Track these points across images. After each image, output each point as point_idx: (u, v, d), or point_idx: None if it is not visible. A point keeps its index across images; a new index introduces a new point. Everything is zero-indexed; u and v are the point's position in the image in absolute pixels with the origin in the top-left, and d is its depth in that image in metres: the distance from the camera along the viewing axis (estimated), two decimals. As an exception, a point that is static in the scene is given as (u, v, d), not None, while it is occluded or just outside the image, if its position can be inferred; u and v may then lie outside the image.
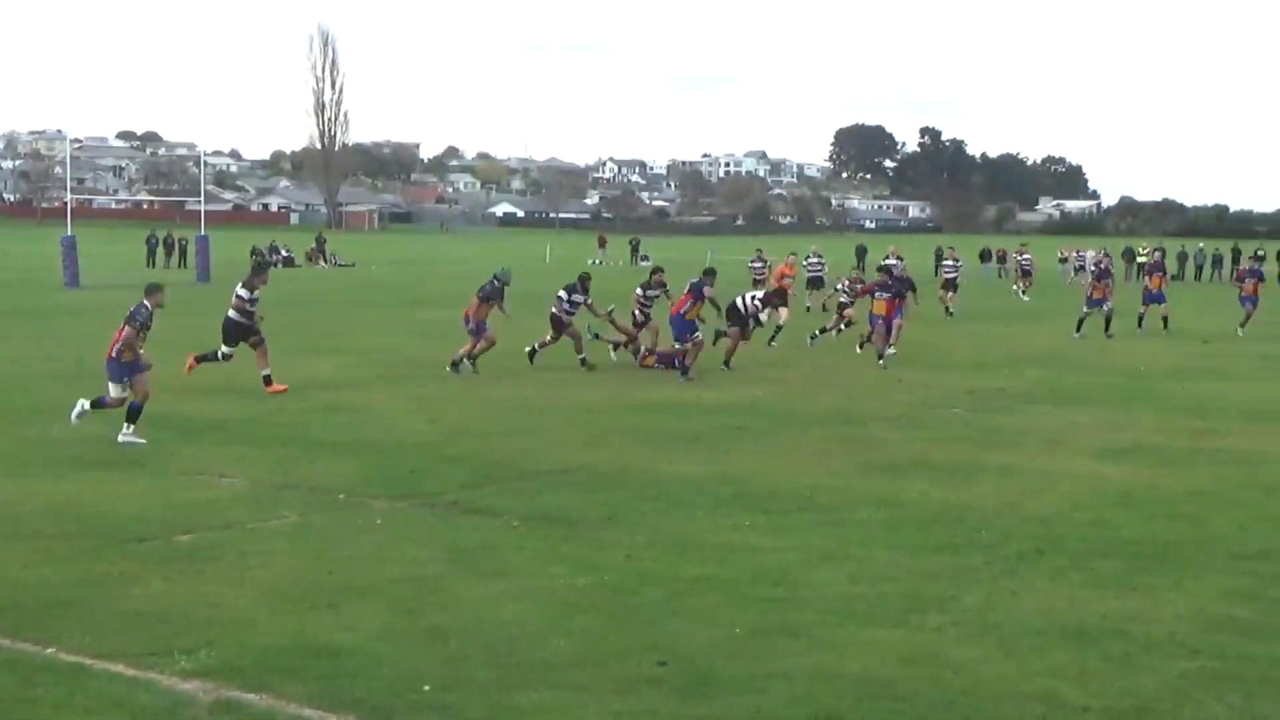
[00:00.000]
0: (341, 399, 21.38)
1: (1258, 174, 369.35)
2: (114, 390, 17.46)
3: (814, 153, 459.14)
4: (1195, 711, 8.55)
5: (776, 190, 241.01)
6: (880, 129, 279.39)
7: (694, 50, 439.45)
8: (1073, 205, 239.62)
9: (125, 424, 17.09)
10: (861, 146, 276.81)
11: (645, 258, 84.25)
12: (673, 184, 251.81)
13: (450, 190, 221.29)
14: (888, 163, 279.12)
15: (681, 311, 25.63)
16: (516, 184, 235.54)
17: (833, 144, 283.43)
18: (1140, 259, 70.09)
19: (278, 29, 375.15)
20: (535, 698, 8.45)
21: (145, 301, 17.94)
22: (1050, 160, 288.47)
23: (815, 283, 47.41)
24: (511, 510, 13.79)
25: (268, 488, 14.83)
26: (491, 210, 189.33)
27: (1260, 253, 74.29)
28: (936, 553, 12.46)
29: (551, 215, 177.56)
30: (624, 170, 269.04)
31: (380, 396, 22.04)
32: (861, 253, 76.83)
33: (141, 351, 17.56)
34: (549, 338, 26.50)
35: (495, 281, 25.80)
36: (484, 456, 16.78)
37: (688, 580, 11.29)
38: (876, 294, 29.04)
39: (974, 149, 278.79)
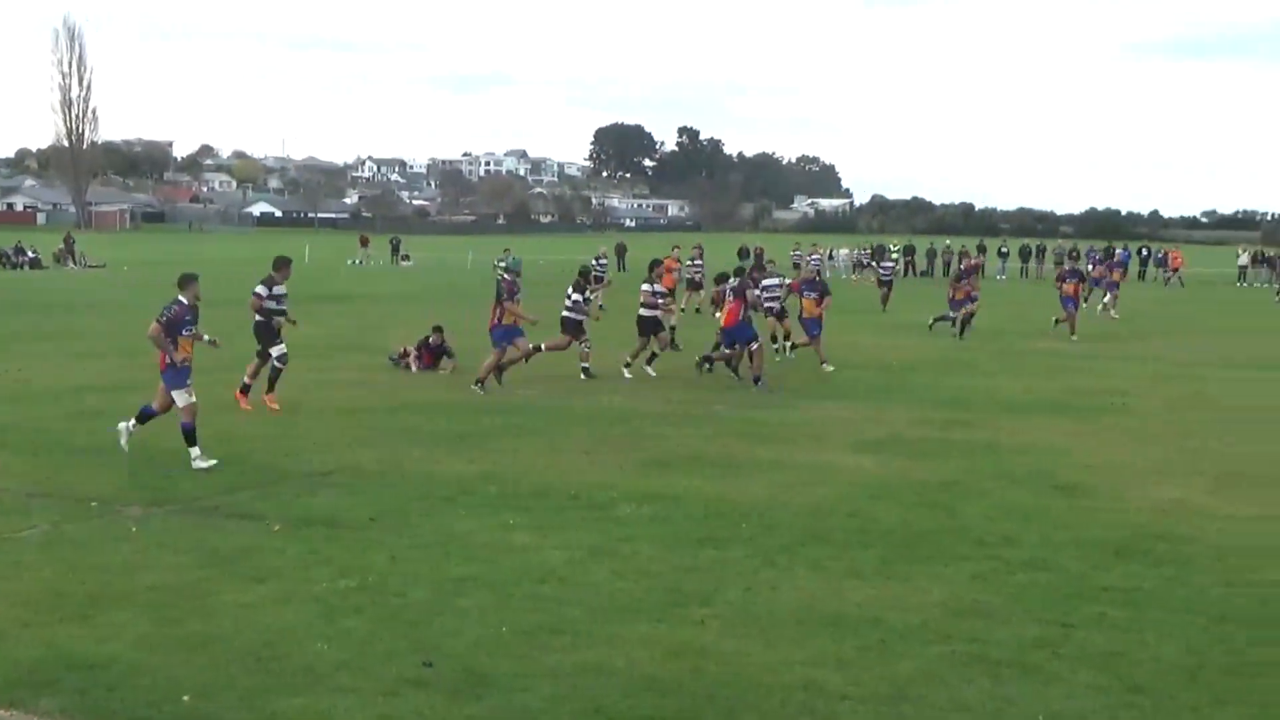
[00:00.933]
0: (103, 404, 20.71)
1: (1001, 173, 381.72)
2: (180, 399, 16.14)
3: (574, 152, 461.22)
4: (948, 694, 8.83)
5: (537, 189, 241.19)
6: (639, 128, 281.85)
7: (454, 49, 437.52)
8: (827, 204, 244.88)
9: (191, 448, 16.04)
10: (621, 146, 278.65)
11: (406, 257, 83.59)
12: (433, 183, 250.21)
13: (205, 189, 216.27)
14: (647, 162, 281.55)
15: (740, 318, 24.79)
16: (274, 183, 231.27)
17: (592, 143, 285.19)
18: (893, 255, 71.84)
19: (20, 23, 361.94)
20: (299, 703, 8.34)
21: (180, 296, 16.86)
22: (805, 160, 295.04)
23: (694, 285, 45.19)
24: (272, 514, 13.56)
25: (18, 497, 14.32)
26: (248, 210, 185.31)
27: (1074, 252, 77.09)
28: (701, 547, 12.62)
29: (310, 215, 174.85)
30: (383, 169, 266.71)
31: (142, 401, 21.41)
32: (622, 251, 77.19)
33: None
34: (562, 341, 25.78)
35: (506, 276, 24.71)
36: (244, 460, 16.47)
37: (453, 580, 11.25)
38: (804, 293, 29.08)
39: (731, 148, 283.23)
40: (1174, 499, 15.31)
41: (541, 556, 12.11)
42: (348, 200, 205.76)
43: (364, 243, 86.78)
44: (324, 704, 8.35)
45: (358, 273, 72.32)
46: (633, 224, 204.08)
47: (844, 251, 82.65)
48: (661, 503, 14.45)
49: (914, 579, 11.66)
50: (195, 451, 15.90)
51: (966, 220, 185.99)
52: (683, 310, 43.47)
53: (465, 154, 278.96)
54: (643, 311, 26.34)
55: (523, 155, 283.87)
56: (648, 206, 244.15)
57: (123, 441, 16.40)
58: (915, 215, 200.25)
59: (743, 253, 79.35)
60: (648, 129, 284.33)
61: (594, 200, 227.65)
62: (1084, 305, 40.24)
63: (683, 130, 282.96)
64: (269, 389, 20.78)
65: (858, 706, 8.58)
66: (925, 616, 10.53)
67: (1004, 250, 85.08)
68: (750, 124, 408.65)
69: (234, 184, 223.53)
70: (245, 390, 20.84)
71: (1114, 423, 21.02)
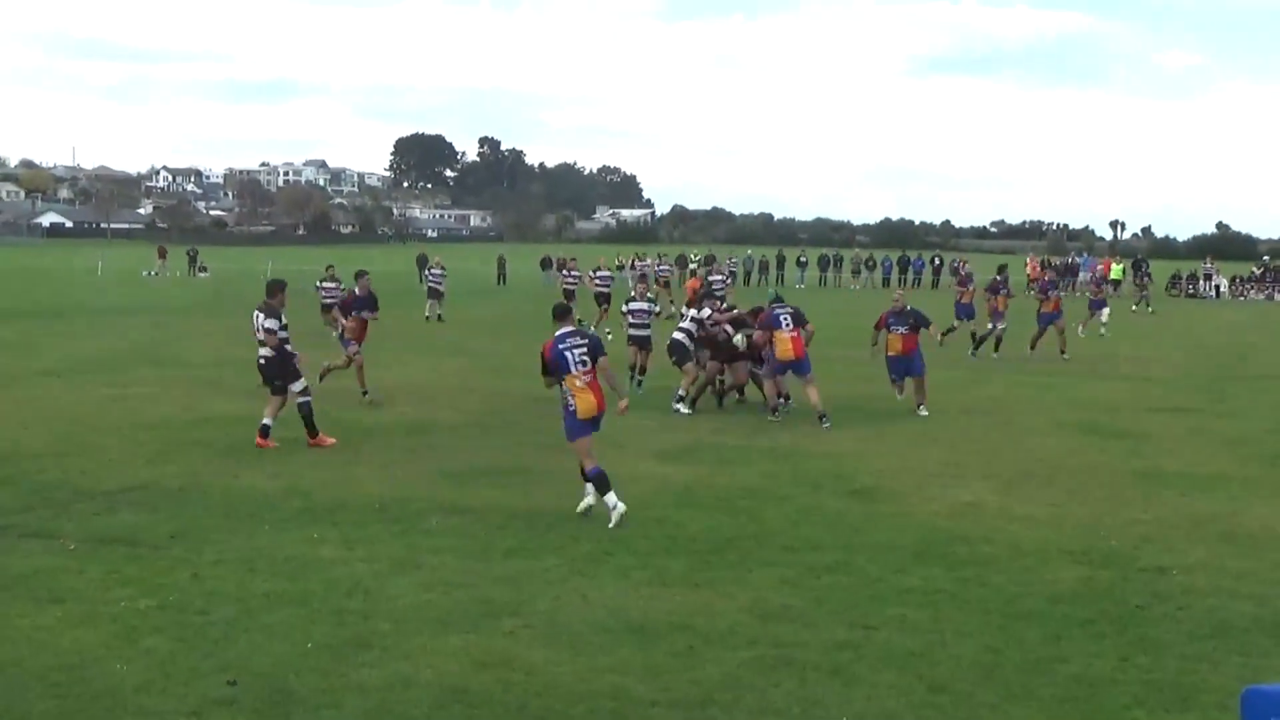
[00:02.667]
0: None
1: (798, 184, 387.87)
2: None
3: (374, 162, 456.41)
4: (756, 698, 8.93)
5: (337, 199, 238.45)
6: (440, 138, 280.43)
7: (252, 58, 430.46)
8: (628, 214, 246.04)
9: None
10: (422, 156, 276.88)
11: (204, 268, 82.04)
12: (230, 193, 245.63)
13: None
14: (448, 172, 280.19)
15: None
16: (65, 193, 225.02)
17: (393, 153, 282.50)
18: (691, 265, 72.35)
19: None
20: (100, 727, 8.12)
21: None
22: (606, 170, 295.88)
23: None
24: (69, 533, 13.18)
25: None
26: (38, 220, 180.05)
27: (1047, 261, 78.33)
28: (508, 557, 12.59)
29: (103, 225, 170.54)
30: (179, 179, 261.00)
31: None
32: (423, 262, 76.67)
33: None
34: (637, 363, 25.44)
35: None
36: (37, 479, 15.96)
37: (258, 596, 11.06)
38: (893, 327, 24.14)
39: (533, 159, 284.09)
40: (968, 501, 15.69)
41: (348, 570, 11.97)
42: (142, 210, 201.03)
43: (161, 254, 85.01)
44: (125, 727, 8.15)
45: (154, 284, 70.74)
46: (435, 234, 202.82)
47: (646, 261, 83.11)
48: (466, 514, 14.38)
49: (721, 585, 11.77)
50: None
51: (766, 229, 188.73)
52: (438, 318, 43.67)
53: (263, 164, 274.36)
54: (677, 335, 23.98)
55: (322, 165, 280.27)
56: (450, 217, 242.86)
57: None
58: (716, 225, 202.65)
59: (546, 262, 79.46)
60: (449, 139, 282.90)
61: (395, 211, 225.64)
62: (1080, 328, 40.97)
63: (484, 140, 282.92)
64: (310, 431, 18.85)
65: (666, 713, 8.64)
66: (732, 621, 10.64)
67: (803, 260, 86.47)
68: (552, 134, 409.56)
69: (21, 194, 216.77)
70: (265, 432, 18.66)
71: (905, 428, 21.48)
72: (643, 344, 25.93)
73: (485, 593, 11.35)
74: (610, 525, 13.74)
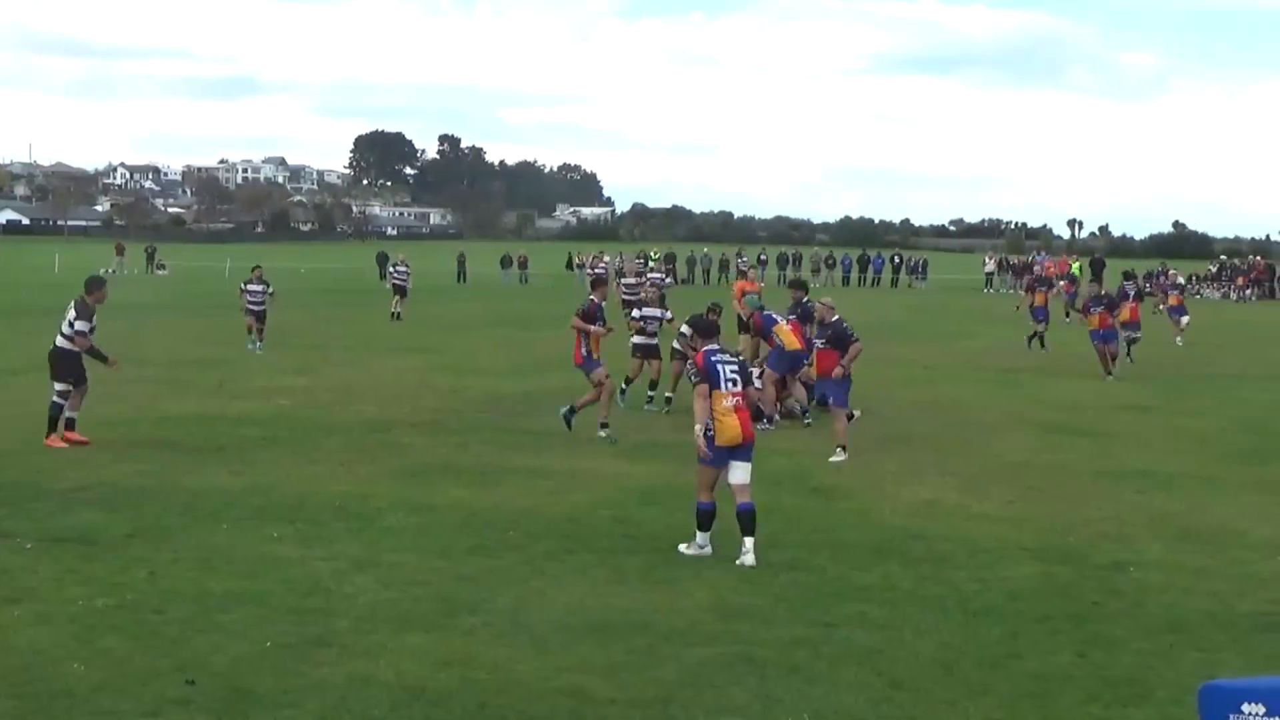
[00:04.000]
0: None
1: (756, 183, 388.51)
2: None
3: (334, 159, 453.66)
4: (715, 696, 8.93)
5: (297, 197, 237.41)
6: (400, 136, 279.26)
7: (209, 52, 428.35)
8: (588, 211, 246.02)
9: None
10: (382, 153, 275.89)
11: (162, 266, 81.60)
12: (188, 190, 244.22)
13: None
14: (408, 170, 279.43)
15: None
16: (20, 190, 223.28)
17: (352, 150, 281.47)
18: (652, 261, 72.34)
19: None
20: (56, 727, 8.07)
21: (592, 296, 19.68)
22: (566, 168, 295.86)
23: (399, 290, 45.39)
24: (24, 532, 13.07)
25: None
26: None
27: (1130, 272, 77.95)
28: (469, 555, 12.57)
29: (59, 223, 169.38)
30: (136, 176, 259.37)
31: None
32: (382, 260, 76.54)
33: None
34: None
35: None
36: (-8, 476, 15.85)
37: (216, 595, 11.00)
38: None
39: (493, 156, 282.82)
40: (927, 499, 15.75)
41: (306, 569, 11.92)
42: (99, 208, 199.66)
43: (119, 251, 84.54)
44: (82, 727, 8.10)
45: (113, 282, 70.15)
46: (395, 232, 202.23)
47: (606, 259, 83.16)
48: (425, 512, 14.35)
49: (680, 582, 11.79)
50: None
51: (725, 228, 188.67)
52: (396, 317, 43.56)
53: (222, 161, 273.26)
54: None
55: (281, 163, 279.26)
56: (410, 215, 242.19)
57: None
58: (676, 223, 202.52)
59: (505, 261, 79.27)
60: (409, 136, 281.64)
61: (355, 208, 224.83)
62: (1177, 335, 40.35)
63: (444, 138, 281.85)
64: (50, 428, 18.16)
65: (626, 711, 8.63)
66: (692, 619, 10.65)
67: (763, 258, 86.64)
68: (512, 132, 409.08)
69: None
70: (71, 425, 18.37)
71: (864, 427, 21.53)
72: (650, 353, 23.10)
73: (445, 591, 11.33)
74: (738, 562, 12.46)
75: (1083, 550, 13.33)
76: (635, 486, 16.11)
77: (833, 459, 17.92)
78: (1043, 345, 35.85)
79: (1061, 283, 55.42)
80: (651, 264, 66.97)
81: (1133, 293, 38.86)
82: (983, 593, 11.62)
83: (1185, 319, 41.93)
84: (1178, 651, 10.11)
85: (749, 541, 12.54)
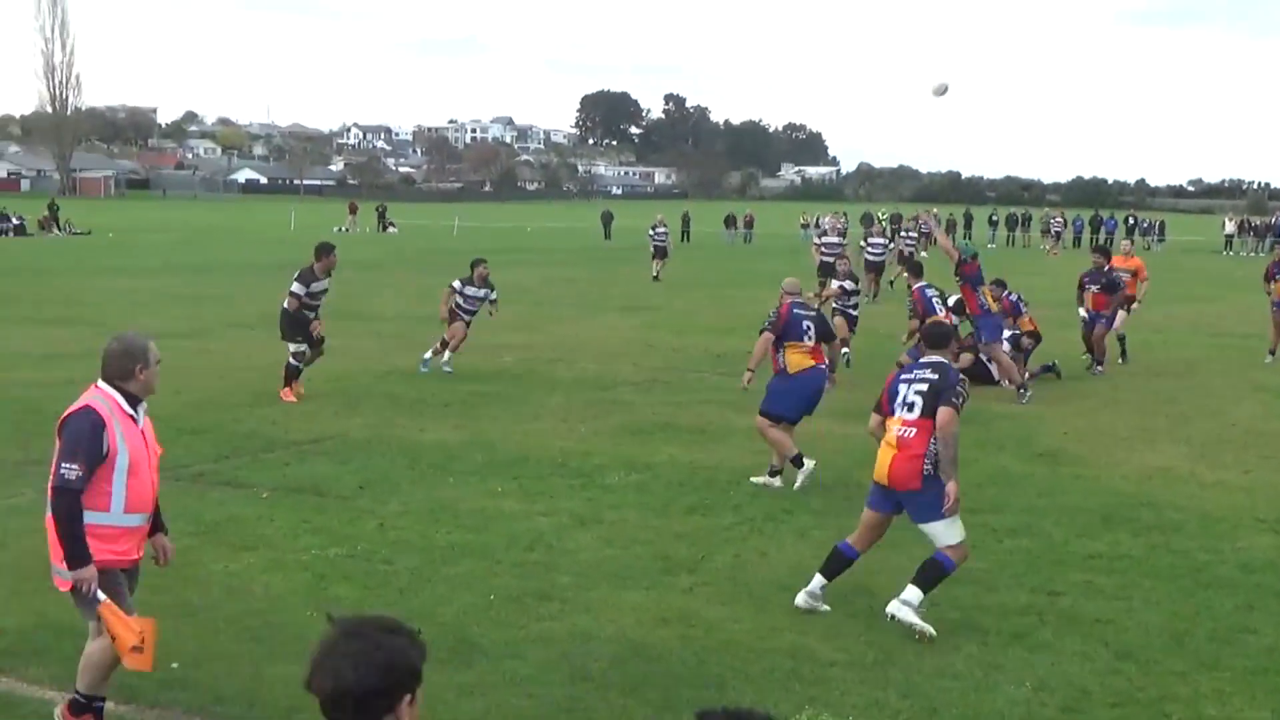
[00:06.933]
0: (79, 371, 20.55)
1: (987, 142, 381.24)
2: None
3: (560, 119, 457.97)
4: (936, 661, 8.87)
5: (524, 156, 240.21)
6: (626, 95, 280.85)
7: (439, 14, 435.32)
8: (813, 171, 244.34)
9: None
10: (607, 113, 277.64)
11: (392, 224, 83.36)
12: (418, 150, 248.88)
13: (190, 156, 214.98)
14: (633, 129, 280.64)
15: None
16: (259, 150, 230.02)
17: (579, 110, 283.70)
18: (879, 222, 71.53)
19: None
20: (289, 670, 8.30)
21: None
22: (791, 127, 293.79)
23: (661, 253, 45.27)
24: (260, 482, 13.53)
25: (4, 465, 14.26)
26: (233, 177, 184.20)
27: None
28: (687, 514, 12.65)
29: (295, 182, 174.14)
30: (369, 136, 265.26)
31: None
32: (607, 218, 77.05)
33: None
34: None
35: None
36: (230, 428, 16.40)
37: (442, 548, 11.25)
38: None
39: (717, 116, 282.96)
40: (1158, 466, 15.35)
41: (529, 524, 12.12)
42: (333, 167, 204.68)
43: (352, 210, 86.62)
44: (313, 671, 8.35)
45: (345, 240, 72.12)
46: (619, 191, 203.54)
47: (827, 219, 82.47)
48: (645, 470, 14.46)
49: (901, 546, 11.62)
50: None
51: (953, 187, 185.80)
52: (655, 279, 43.58)
53: (451, 121, 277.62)
54: None
55: (509, 122, 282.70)
56: (634, 174, 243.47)
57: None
58: (902, 183, 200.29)
59: (729, 220, 79.24)
60: (634, 96, 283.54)
61: (580, 168, 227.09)
62: None
63: (669, 98, 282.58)
64: (284, 382, 18.64)
65: (845, 673, 8.61)
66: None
67: (994, 218, 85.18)
68: (737, 91, 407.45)
69: (219, 151, 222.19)
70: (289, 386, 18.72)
71: (1092, 389, 21.06)
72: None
73: (665, 549, 11.41)
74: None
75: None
76: (856, 447, 15.97)
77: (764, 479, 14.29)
78: None
79: None
80: (878, 224, 65.56)
81: None
82: (1215, 564, 11.29)
83: None
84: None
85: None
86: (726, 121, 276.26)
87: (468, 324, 21.61)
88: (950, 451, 9.54)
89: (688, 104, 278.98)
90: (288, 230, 76.73)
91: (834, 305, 23.96)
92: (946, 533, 9.63)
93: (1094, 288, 22.94)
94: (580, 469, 14.51)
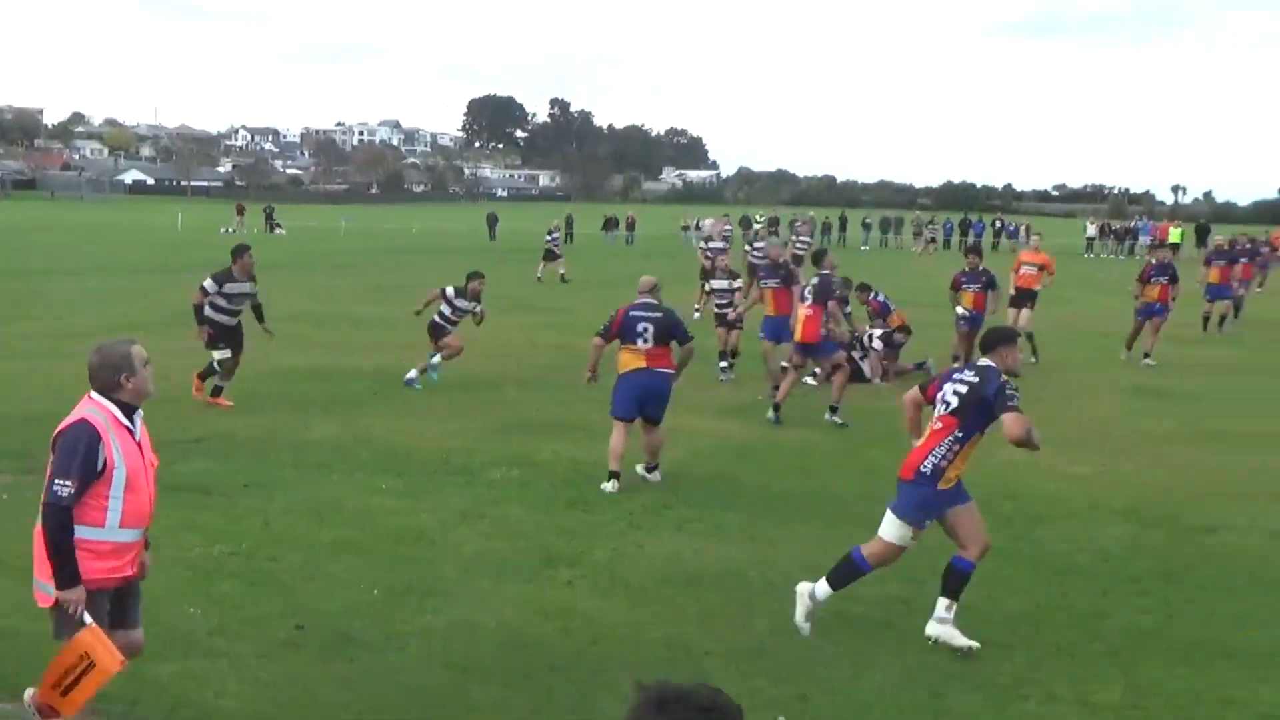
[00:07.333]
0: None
1: (861, 147, 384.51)
2: None
3: (448, 123, 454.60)
4: (807, 650, 8.99)
5: (410, 159, 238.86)
6: (511, 99, 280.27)
7: (327, 18, 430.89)
8: (694, 175, 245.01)
9: None
10: (493, 117, 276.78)
11: (279, 226, 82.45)
12: (306, 152, 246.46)
13: (77, 157, 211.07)
14: (519, 133, 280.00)
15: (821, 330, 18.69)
16: (146, 151, 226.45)
17: (465, 114, 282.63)
18: (756, 226, 71.87)
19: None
20: (173, 668, 8.27)
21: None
22: (673, 132, 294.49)
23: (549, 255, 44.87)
24: (144, 481, 13.33)
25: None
26: (120, 178, 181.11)
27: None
28: (568, 509, 12.68)
29: (183, 183, 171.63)
30: (257, 138, 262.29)
31: (13, 368, 20.99)
32: (492, 220, 76.74)
33: None
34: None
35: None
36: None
37: (326, 544, 11.20)
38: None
39: (601, 120, 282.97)
40: (1021, 460, 15.51)
41: (413, 520, 12.09)
42: (221, 169, 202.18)
43: (239, 211, 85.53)
44: (198, 668, 8.29)
45: (232, 241, 71.04)
46: (505, 194, 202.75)
47: (708, 222, 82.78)
48: (528, 467, 14.47)
49: (776, 539, 11.80)
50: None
51: (829, 192, 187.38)
52: (539, 280, 43.51)
53: (339, 124, 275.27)
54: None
55: (396, 125, 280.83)
56: (520, 177, 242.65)
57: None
58: (780, 187, 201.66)
59: (609, 223, 79.16)
60: (520, 100, 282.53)
61: (466, 170, 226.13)
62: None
63: (554, 102, 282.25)
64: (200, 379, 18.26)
65: (719, 662, 8.70)
66: (787, 575, 10.60)
67: (867, 221, 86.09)
68: (622, 97, 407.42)
69: (106, 152, 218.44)
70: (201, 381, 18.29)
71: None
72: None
73: (545, 543, 11.44)
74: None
75: (1174, 512, 13.19)
76: (734, 444, 16.13)
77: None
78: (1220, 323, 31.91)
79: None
80: (757, 227, 65.79)
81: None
82: (1074, 552, 11.55)
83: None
84: (1267, 613, 10.00)
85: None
86: (610, 126, 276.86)
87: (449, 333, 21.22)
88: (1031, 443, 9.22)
89: (572, 109, 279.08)
90: (175, 231, 75.63)
91: (713, 307, 24.08)
92: (888, 527, 9.46)
93: (974, 287, 23.33)
94: (464, 466, 14.49)
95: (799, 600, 9.40)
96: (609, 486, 13.47)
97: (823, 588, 9.37)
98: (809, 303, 18.53)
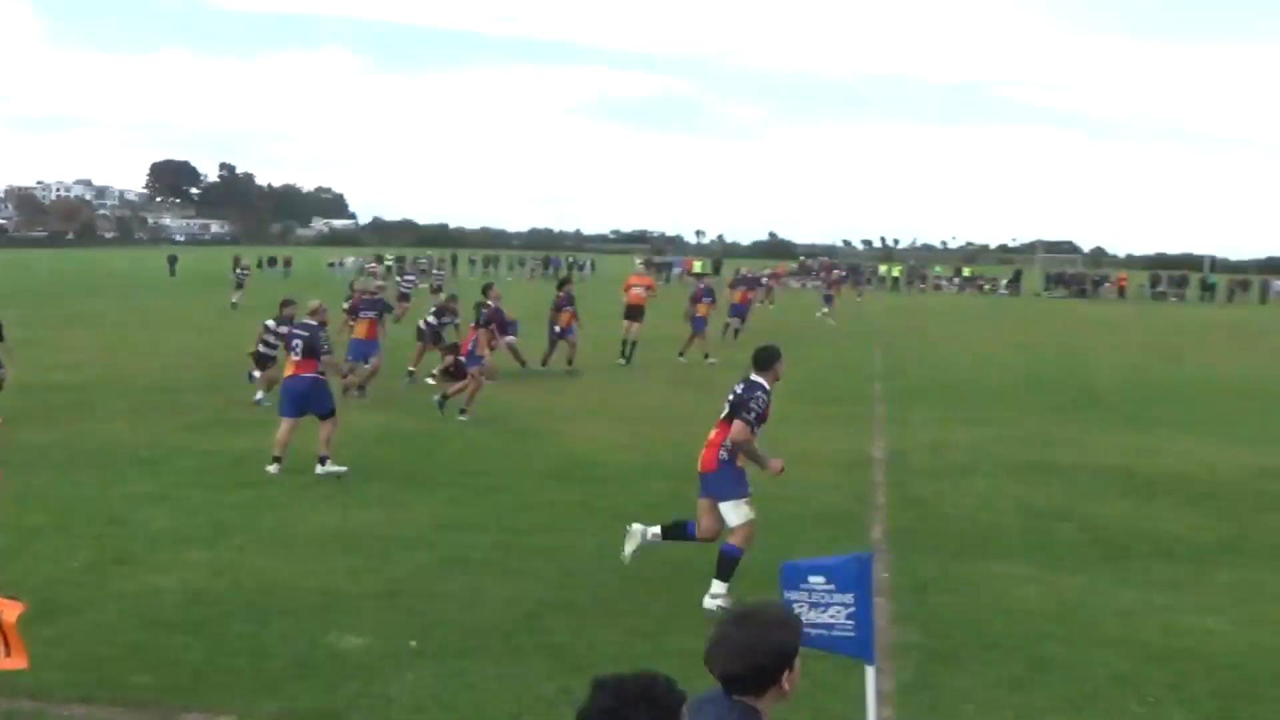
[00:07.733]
0: None
1: (468, 199, 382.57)
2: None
3: (133, 181, 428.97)
4: (434, 588, 8.86)
5: (102, 211, 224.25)
6: (187, 163, 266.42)
7: (32, 95, 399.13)
8: (338, 223, 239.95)
9: None
10: (173, 177, 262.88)
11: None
12: (9, 205, 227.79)
13: None
14: (194, 190, 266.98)
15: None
16: None
17: (149, 174, 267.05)
18: (387, 263, 70.78)
19: None
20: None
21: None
22: (321, 189, 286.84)
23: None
24: None
25: None
26: None
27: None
28: (240, 488, 12.11)
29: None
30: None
31: None
32: (173, 260, 72.87)
33: None
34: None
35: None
36: None
37: (30, 528, 10.31)
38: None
39: (262, 180, 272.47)
40: (596, 437, 15.89)
41: (107, 504, 11.29)
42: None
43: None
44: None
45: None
46: (183, 238, 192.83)
47: (350, 259, 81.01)
48: (205, 456, 13.76)
49: (408, 504, 11.60)
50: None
51: (443, 235, 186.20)
52: (234, 305, 41.53)
53: (39, 182, 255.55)
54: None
55: (89, 184, 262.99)
56: (195, 225, 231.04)
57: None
58: (405, 232, 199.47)
59: (271, 261, 76.46)
60: (194, 164, 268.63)
61: (150, 220, 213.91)
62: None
63: (223, 165, 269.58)
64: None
65: (363, 603, 8.47)
66: (418, 530, 10.51)
67: (473, 259, 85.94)
68: (278, 160, 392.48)
69: None
70: None
71: (544, 381, 21.64)
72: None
73: (221, 517, 10.88)
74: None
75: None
76: (372, 431, 15.78)
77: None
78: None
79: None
80: (387, 265, 64.80)
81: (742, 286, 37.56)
82: (630, 503, 11.69)
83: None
84: (761, 540, 10.31)
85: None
86: (270, 184, 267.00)
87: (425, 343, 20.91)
88: (746, 454, 8.74)
89: (238, 170, 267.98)
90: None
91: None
92: (733, 514, 8.74)
93: (569, 308, 23.87)
94: (150, 457, 13.65)
95: (629, 539, 9.31)
96: (273, 469, 12.92)
97: (718, 586, 8.60)
98: (473, 324, 18.04)
